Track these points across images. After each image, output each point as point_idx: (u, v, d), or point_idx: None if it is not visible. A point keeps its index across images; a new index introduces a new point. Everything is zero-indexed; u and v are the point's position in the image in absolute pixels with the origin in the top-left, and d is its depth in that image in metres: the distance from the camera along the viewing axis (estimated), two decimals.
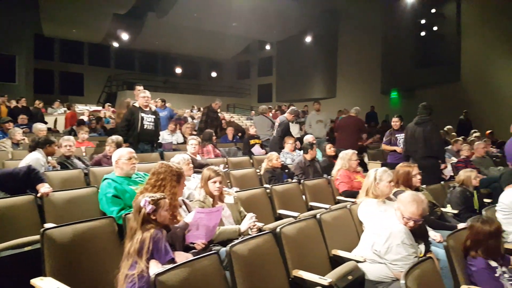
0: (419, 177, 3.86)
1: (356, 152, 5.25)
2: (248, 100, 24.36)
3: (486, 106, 13.98)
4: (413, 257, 2.57)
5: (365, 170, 7.23)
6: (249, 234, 2.79)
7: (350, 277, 2.49)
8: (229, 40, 19.56)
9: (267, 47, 22.51)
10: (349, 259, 2.80)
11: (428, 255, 2.36)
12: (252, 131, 7.76)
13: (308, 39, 18.83)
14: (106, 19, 16.85)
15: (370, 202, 3.33)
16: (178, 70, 23.14)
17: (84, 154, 6.08)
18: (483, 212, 3.54)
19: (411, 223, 2.68)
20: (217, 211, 2.65)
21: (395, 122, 6.91)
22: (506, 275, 2.47)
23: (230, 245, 2.25)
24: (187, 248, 2.47)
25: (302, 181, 4.60)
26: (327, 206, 4.04)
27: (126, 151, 3.34)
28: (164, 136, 8.05)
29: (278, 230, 2.64)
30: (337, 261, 2.86)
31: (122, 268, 2.08)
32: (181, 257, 2.19)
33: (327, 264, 2.82)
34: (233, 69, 26.71)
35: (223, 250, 2.41)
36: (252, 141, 7.54)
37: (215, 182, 3.02)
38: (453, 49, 15.58)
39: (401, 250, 2.55)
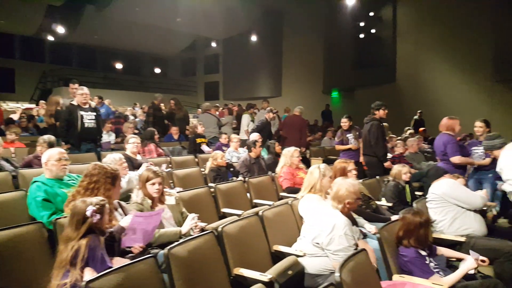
0: (354, 172, 4.03)
1: (299, 149, 5.38)
2: (194, 98, 24.03)
3: (420, 105, 14.93)
4: (353, 248, 2.68)
5: (308, 166, 7.45)
6: (191, 235, 2.74)
7: (290, 272, 2.54)
8: (173, 35, 19.14)
9: (213, 44, 22.34)
10: (289, 254, 2.86)
11: (362, 247, 2.47)
12: (200, 129, 7.65)
13: (254, 38, 18.97)
14: (40, 11, 15.74)
15: (311, 198, 3.43)
16: (119, 66, 22.22)
17: (13, 155, 5.65)
18: (414, 205, 3.78)
19: (350, 205, 2.79)
20: (157, 214, 2.57)
21: (344, 122, 7.00)
22: (432, 264, 2.66)
23: (168, 247, 2.20)
24: (123, 253, 2.38)
25: (247, 179, 4.62)
26: (270, 202, 4.09)
27: (55, 152, 3.14)
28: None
29: (219, 229, 2.63)
30: (278, 256, 2.90)
31: (53, 277, 1.95)
32: (120, 264, 2.10)
33: (268, 260, 2.86)
34: (178, 66, 26.22)
35: (161, 253, 2.35)
36: (198, 140, 7.44)
37: (153, 184, 2.93)
38: (389, 51, 16.49)
39: (343, 241, 2.64)
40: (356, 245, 2.74)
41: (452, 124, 5.29)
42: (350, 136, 6.84)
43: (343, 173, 3.97)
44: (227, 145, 6.89)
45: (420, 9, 15.37)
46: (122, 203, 2.85)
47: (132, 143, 5.00)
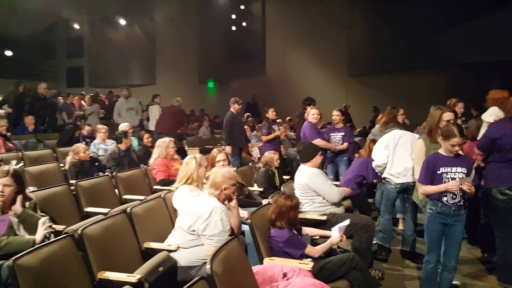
0: (222, 163, 4.08)
1: (173, 139, 5.22)
2: (55, 85, 21.42)
3: (287, 97, 16.02)
4: (228, 234, 2.70)
5: (184, 157, 7.34)
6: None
7: (161, 269, 2.42)
8: (27, 15, 16.67)
9: (76, 26, 20.18)
10: (161, 250, 2.73)
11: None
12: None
13: (123, 22, 17.75)
14: None
15: (183, 189, 3.35)
16: None
17: None
18: (282, 188, 4.01)
19: (227, 191, 2.83)
20: (2, 220, 2.19)
21: (273, 111, 7.05)
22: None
23: (13, 258, 1.87)
24: None
25: (114, 173, 4.28)
26: (142, 197, 3.87)
27: None
28: None
29: (79, 231, 2.36)
30: (150, 254, 2.75)
31: None
32: None
33: (138, 259, 2.69)
34: (35, 49, 22.98)
35: (5, 265, 1.99)
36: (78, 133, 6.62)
37: None
38: (259, 44, 17.24)
39: (219, 225, 2.66)
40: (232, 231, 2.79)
41: (307, 112, 5.82)
42: (275, 126, 6.88)
43: (213, 161, 3.97)
44: (92, 137, 6.30)
45: (286, 5, 16.40)
46: None
47: None
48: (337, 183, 4.89)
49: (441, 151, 2.93)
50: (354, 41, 14.86)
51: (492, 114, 3.78)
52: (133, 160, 5.36)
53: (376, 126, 5.46)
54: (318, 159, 3.94)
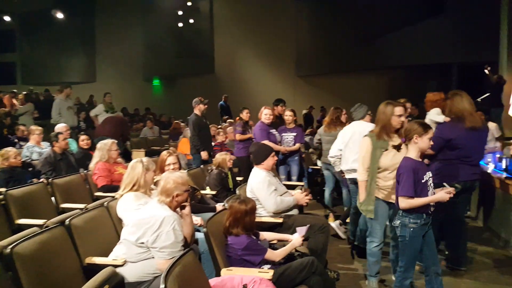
0: (172, 166, 3.84)
1: (116, 141, 4.86)
2: None
3: (237, 95, 15.91)
4: (181, 245, 2.51)
5: (129, 159, 6.93)
6: None
7: (106, 286, 2.17)
8: None
9: (7, 18, 18.56)
10: (106, 265, 2.47)
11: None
12: None
13: (60, 15, 16.58)
14: None
15: (129, 197, 3.09)
16: None
17: None
18: (237, 191, 3.86)
19: (179, 198, 2.61)
20: None
21: (247, 112, 6.81)
22: None
23: None
24: None
25: (50, 179, 3.88)
26: (82, 206, 3.53)
27: None
28: None
29: (9, 249, 2.04)
30: (94, 270, 2.47)
31: None
32: None
33: (80, 277, 2.40)
34: None
35: None
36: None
37: None
38: (207, 42, 16.96)
39: (171, 236, 2.45)
40: (185, 241, 2.59)
41: (261, 112, 5.73)
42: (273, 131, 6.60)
43: (161, 165, 3.71)
44: (25, 139, 5.74)
45: (234, 4, 16.29)
46: None
47: None
48: (290, 183, 4.85)
49: (411, 154, 2.73)
50: (302, 42, 15.11)
51: (439, 114, 3.93)
52: (71, 164, 4.94)
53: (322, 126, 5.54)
54: (270, 160, 3.84)
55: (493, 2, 9.11)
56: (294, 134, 5.78)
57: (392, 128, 3.06)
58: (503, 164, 4.56)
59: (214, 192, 4.58)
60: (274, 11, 15.25)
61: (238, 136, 6.35)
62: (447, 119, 3.61)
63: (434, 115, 3.95)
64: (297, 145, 5.72)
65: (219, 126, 9.65)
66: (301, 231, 2.82)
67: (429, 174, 2.73)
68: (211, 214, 3.68)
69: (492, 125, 5.97)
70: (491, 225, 4.81)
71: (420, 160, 2.77)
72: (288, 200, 3.72)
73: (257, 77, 15.83)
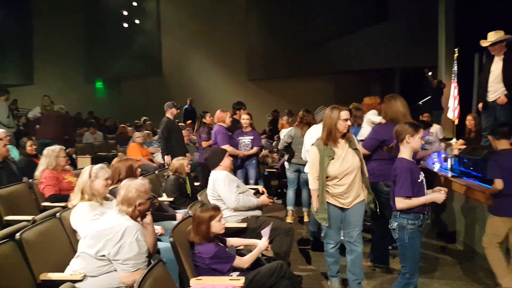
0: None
1: (64, 147, 4.55)
2: None
3: (184, 97, 15.57)
4: (146, 256, 2.39)
5: (75, 166, 6.52)
6: None
7: None
8: None
9: None
10: (64, 281, 2.28)
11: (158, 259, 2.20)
12: None
13: None
14: None
15: (83, 207, 2.89)
16: None
17: None
18: (199, 197, 3.77)
19: (141, 207, 2.49)
20: None
21: (210, 116, 6.54)
22: None
23: None
24: None
25: None
26: (29, 218, 3.24)
27: None
28: None
29: None
30: (50, 287, 2.28)
31: None
32: None
33: None
34: None
35: None
36: None
37: None
38: (154, 43, 16.49)
39: (135, 247, 2.33)
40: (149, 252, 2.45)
41: (222, 116, 5.67)
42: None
43: (131, 172, 3.52)
44: None
45: (182, 5, 15.97)
46: None
47: None
48: (249, 187, 4.83)
49: (405, 155, 2.71)
50: (252, 46, 15.20)
51: (376, 114, 4.14)
52: (13, 173, 4.54)
53: (291, 128, 5.53)
54: (227, 160, 3.83)
55: (433, 10, 9.77)
56: (251, 137, 5.77)
57: (339, 132, 3.05)
58: (448, 164, 4.87)
59: (171, 199, 4.43)
60: (223, 14, 15.18)
61: (204, 143, 6.10)
62: (383, 120, 3.74)
63: (372, 115, 4.13)
64: (255, 148, 5.72)
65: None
66: (265, 233, 2.81)
67: (422, 174, 2.73)
68: (171, 222, 3.60)
69: (436, 127, 6.39)
70: (438, 221, 5.11)
71: (413, 160, 2.74)
72: (250, 200, 3.71)
73: (207, 80, 15.65)
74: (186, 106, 12.48)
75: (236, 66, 15.35)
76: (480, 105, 4.95)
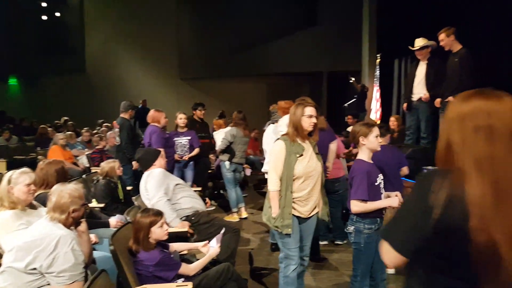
0: None
1: None
2: None
3: (110, 96, 14.79)
4: (82, 266, 2.22)
5: None
6: None
7: None
8: None
9: None
10: None
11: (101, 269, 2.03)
12: None
13: None
14: None
15: (4, 216, 2.60)
16: None
17: None
18: (135, 202, 3.58)
19: (75, 213, 2.31)
20: None
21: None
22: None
23: None
24: None
25: None
26: None
27: None
28: None
29: None
30: None
31: None
32: None
33: None
34: None
35: None
36: None
37: None
38: (77, 39, 15.41)
39: (70, 257, 2.16)
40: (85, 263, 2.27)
41: (157, 116, 5.47)
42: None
43: (62, 176, 3.22)
44: None
45: (106, 2, 15.17)
46: None
47: None
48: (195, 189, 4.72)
49: (363, 157, 2.63)
50: (184, 45, 14.87)
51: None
52: None
53: (232, 128, 5.49)
54: (161, 160, 3.73)
55: (358, 18, 10.39)
56: (188, 138, 5.65)
57: (304, 130, 2.76)
58: None
59: (102, 205, 4.17)
60: (154, 10, 14.64)
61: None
62: None
63: (283, 125, 4.35)
64: (196, 150, 5.62)
65: (94, 131, 8.85)
66: (217, 240, 2.75)
67: (380, 176, 2.65)
68: (105, 229, 3.38)
69: None
70: None
71: (372, 162, 2.66)
72: (171, 215, 3.40)
73: (137, 79, 14.98)
74: (139, 107, 11.80)
75: (168, 64, 14.91)
76: (405, 105, 5.35)
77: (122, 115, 5.75)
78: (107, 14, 15.04)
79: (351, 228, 2.62)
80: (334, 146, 3.97)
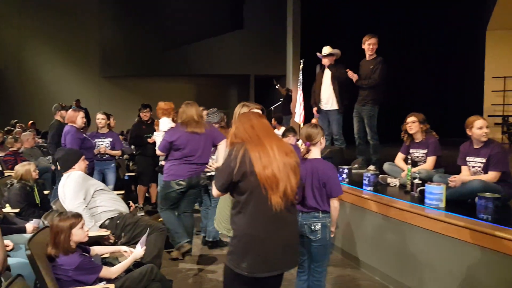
0: None
1: None
2: None
3: (27, 95, 13.72)
4: None
5: None
6: None
7: None
8: None
9: None
10: None
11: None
12: None
13: None
14: None
15: None
16: None
17: None
18: (53, 206, 3.45)
19: None
20: None
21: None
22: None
23: None
24: None
25: None
26: None
27: None
28: None
29: None
30: None
31: None
32: None
33: None
34: None
35: None
36: None
37: None
38: None
39: None
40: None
41: (73, 116, 5.18)
42: None
43: None
44: None
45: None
46: None
47: None
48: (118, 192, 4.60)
49: (318, 155, 2.72)
50: (107, 43, 14.26)
51: (170, 121, 4.60)
52: None
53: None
54: (82, 163, 3.60)
55: (283, 23, 10.79)
56: (110, 139, 5.48)
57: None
58: None
59: (17, 210, 3.95)
60: (74, 5, 13.84)
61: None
62: (173, 124, 4.11)
63: (165, 124, 4.53)
64: (119, 151, 5.48)
65: (8, 131, 8.20)
66: (142, 243, 2.77)
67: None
68: (21, 235, 3.22)
69: (283, 129, 7.10)
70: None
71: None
72: (91, 223, 3.31)
73: (54, 75, 14.01)
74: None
75: (89, 62, 14.17)
76: (315, 109, 5.70)
77: (55, 117, 5.77)
78: (20, 6, 13.89)
79: (318, 226, 2.62)
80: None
